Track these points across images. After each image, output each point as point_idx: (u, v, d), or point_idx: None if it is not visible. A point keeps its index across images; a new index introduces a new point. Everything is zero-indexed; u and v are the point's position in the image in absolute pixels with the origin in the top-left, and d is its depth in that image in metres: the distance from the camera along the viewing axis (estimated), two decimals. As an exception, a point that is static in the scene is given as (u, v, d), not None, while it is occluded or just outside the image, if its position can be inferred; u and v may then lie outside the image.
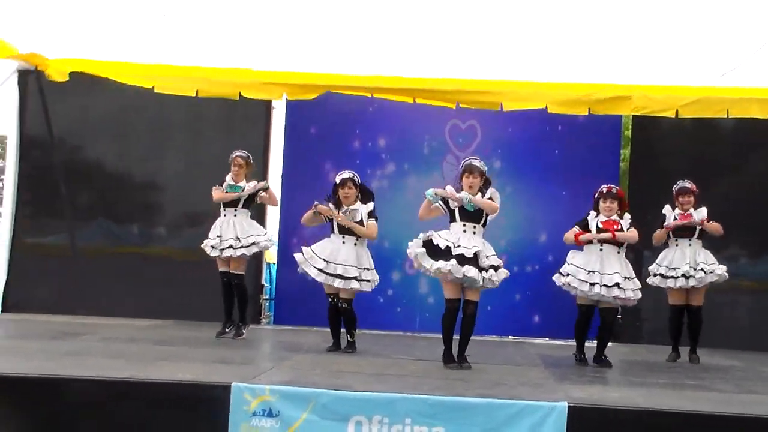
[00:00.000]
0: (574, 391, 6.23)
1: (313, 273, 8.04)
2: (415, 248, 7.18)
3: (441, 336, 7.35)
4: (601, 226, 7.93)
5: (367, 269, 8.11)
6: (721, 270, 8.60)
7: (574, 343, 8.30)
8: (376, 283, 8.25)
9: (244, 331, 8.90)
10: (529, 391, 6.17)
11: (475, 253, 7.06)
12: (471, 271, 7.00)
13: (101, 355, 7.11)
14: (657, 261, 8.84)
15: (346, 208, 8.11)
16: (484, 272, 7.08)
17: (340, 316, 8.18)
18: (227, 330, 8.86)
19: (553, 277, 8.07)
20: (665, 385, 6.92)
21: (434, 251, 7.13)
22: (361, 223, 8.11)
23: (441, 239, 7.13)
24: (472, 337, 7.33)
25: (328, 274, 7.98)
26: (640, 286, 7.97)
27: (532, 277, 10.64)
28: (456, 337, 7.29)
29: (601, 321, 8.04)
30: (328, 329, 8.30)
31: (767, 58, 9.53)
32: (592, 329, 8.15)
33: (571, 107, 10.22)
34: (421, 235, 7.24)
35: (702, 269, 8.54)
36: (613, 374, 7.63)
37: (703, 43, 9.64)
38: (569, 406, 5.57)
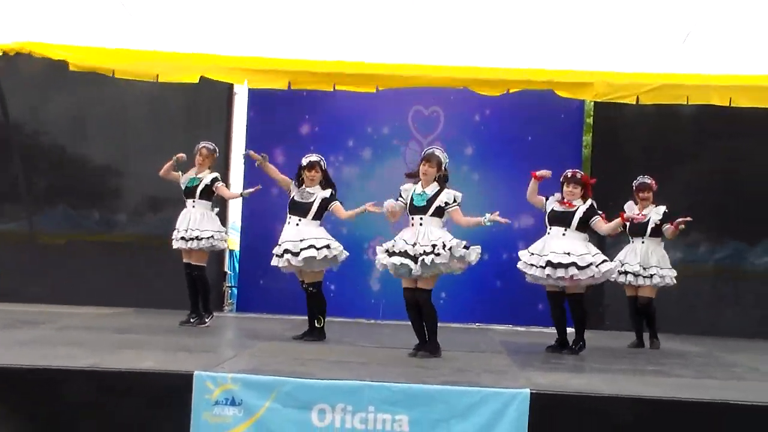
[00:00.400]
0: (536, 378, 6.26)
1: (274, 262, 8.06)
2: (381, 258, 7.27)
3: (406, 323, 7.40)
4: (557, 206, 7.97)
5: (306, 239, 7.91)
6: (671, 276, 8.78)
7: (538, 329, 8.35)
8: (328, 254, 8.00)
9: (207, 321, 8.84)
10: (493, 378, 6.19)
11: (413, 245, 7.08)
12: (395, 258, 7.07)
13: (59, 344, 7.00)
14: (617, 256, 8.90)
15: (304, 187, 8.07)
16: (417, 260, 7.03)
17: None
18: (192, 320, 8.81)
19: (518, 265, 8.10)
20: (627, 371, 6.99)
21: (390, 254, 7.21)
22: (311, 205, 8.05)
23: (391, 243, 7.22)
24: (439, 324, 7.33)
25: (278, 256, 8.00)
26: (589, 264, 7.75)
27: (506, 264, 10.60)
28: None
29: (568, 304, 8.08)
30: (292, 317, 8.27)
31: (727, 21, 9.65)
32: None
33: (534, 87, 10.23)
34: (385, 244, 7.29)
35: (651, 273, 8.68)
36: (575, 361, 7.67)
37: (661, 14, 9.72)
38: (532, 393, 5.60)
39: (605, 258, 7.92)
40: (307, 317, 8.21)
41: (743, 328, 10.30)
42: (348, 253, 8.18)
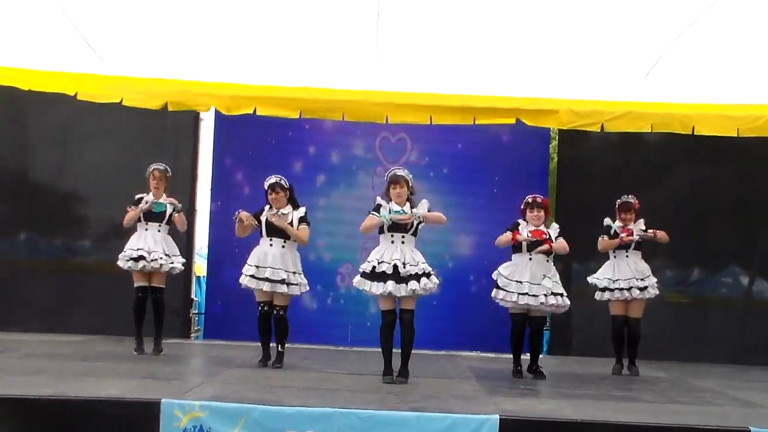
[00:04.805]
0: (505, 404, 6.27)
1: (244, 281, 7.98)
2: (361, 284, 7.29)
3: (375, 350, 7.35)
4: (530, 236, 8.03)
5: (294, 273, 7.99)
6: (654, 288, 8.82)
7: (506, 356, 8.38)
8: (305, 288, 8.11)
9: (162, 346, 8.76)
10: (462, 404, 6.18)
11: (395, 266, 7.13)
12: (389, 286, 7.07)
13: (23, 373, 6.88)
14: (597, 275, 8.94)
15: (276, 210, 8.03)
16: (404, 283, 7.10)
17: (270, 326, 8.07)
18: (143, 347, 8.67)
19: (492, 295, 8.14)
20: (594, 397, 7.03)
21: (371, 276, 7.22)
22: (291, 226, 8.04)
23: (370, 264, 7.22)
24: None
25: (258, 279, 7.90)
26: (565, 293, 8.08)
27: (473, 291, 10.63)
28: (396, 350, 7.28)
29: (530, 329, 8.14)
30: (260, 344, 8.18)
31: (684, 51, 9.81)
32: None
33: (499, 117, 10.30)
34: (362, 267, 7.33)
35: (642, 284, 8.72)
36: (543, 386, 7.70)
37: (624, 47, 9.88)
38: (501, 419, 5.61)
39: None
40: (260, 344, 8.16)
41: (708, 353, 10.38)
42: (308, 289, 8.18)
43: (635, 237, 8.74)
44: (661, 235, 8.82)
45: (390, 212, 7.21)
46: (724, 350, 10.47)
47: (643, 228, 8.82)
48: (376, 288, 7.14)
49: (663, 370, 9.21)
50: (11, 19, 9.50)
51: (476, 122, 10.19)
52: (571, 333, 10.78)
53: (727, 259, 10.94)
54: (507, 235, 8.09)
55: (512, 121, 10.22)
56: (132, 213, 8.60)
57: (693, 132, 10.12)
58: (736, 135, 10.02)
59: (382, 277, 7.14)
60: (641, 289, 8.71)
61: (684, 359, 10.15)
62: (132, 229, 8.77)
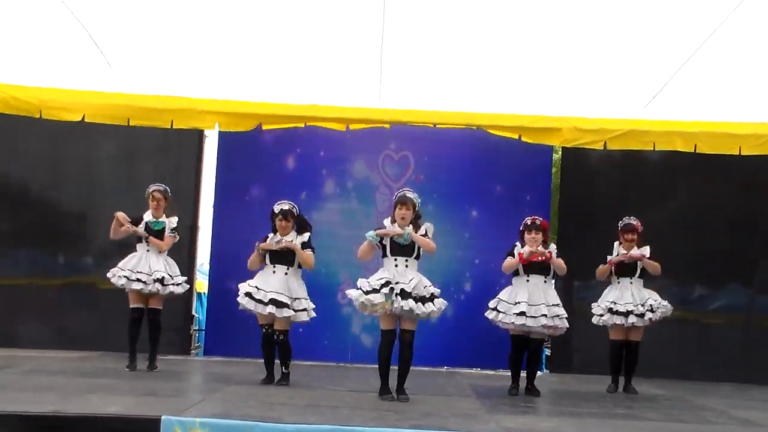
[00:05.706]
0: (505, 422, 6.27)
1: (242, 301, 7.97)
2: (358, 296, 7.20)
3: (375, 366, 7.35)
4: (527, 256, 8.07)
5: (299, 299, 7.98)
6: (656, 311, 8.74)
7: (506, 373, 8.37)
8: (307, 316, 8.09)
9: (157, 364, 8.74)
10: (462, 422, 6.18)
11: (413, 286, 7.11)
12: (409, 303, 7.04)
13: (24, 389, 6.89)
14: (600, 300, 8.92)
15: (280, 237, 8.05)
16: (421, 304, 7.11)
17: (274, 346, 8.08)
18: (135, 364, 8.63)
19: (486, 314, 8.16)
20: (596, 415, 7.01)
21: (372, 291, 7.16)
22: (293, 253, 8.03)
23: (376, 280, 7.17)
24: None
25: (257, 300, 7.89)
26: (566, 315, 8.13)
27: (473, 308, 10.61)
28: (394, 367, 7.27)
29: (528, 350, 8.16)
30: (260, 360, 8.20)
31: (684, 82, 9.89)
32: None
33: (503, 131, 10.42)
34: (360, 281, 7.27)
35: (649, 308, 8.67)
36: (543, 404, 7.69)
37: (626, 75, 9.96)
38: (501, 437, 5.62)
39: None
40: (263, 361, 8.16)
41: (709, 371, 10.34)
42: (315, 315, 8.17)
43: (624, 259, 8.69)
44: (653, 265, 8.75)
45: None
46: (726, 369, 10.42)
47: (648, 255, 8.72)
48: (374, 296, 7.07)
49: (664, 388, 9.19)
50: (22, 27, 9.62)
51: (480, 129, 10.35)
52: (571, 351, 10.76)
53: (729, 276, 10.89)
54: (511, 260, 8.11)
55: (516, 133, 10.31)
56: (123, 228, 8.59)
57: (695, 150, 10.18)
58: (738, 153, 10.08)
59: (400, 294, 7.09)
60: (639, 316, 8.67)
61: (685, 377, 10.12)
62: (130, 247, 8.78)
